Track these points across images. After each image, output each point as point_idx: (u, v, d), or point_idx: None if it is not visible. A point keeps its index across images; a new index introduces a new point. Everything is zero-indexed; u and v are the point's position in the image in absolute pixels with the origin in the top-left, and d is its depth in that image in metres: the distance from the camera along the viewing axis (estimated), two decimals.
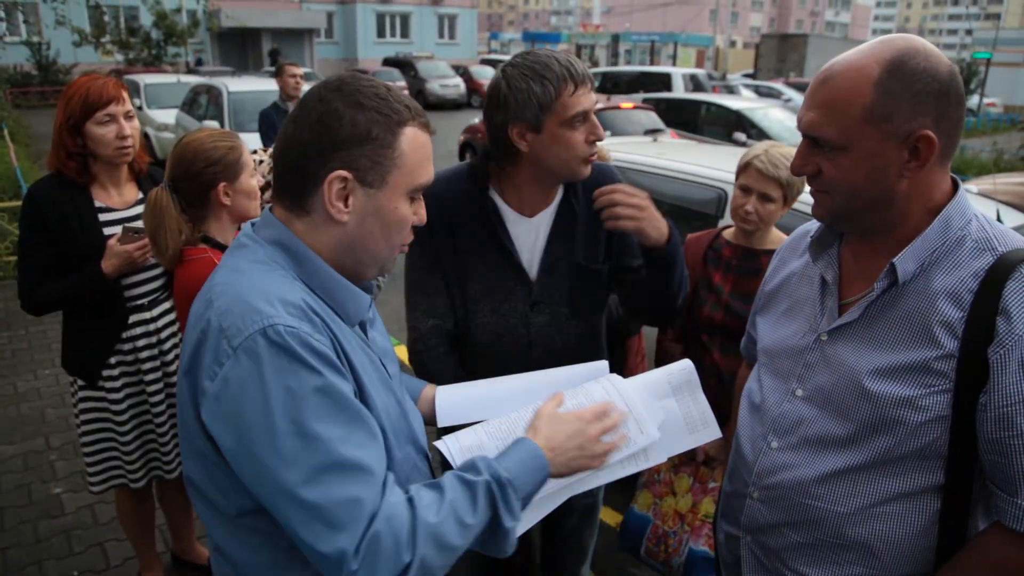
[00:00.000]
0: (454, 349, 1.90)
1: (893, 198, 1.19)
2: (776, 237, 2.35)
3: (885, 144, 1.15)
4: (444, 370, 1.85)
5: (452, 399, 1.53)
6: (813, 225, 1.43)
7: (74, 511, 3.31)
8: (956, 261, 1.19)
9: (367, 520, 1.01)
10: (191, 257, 2.03)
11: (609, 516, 3.28)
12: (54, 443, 3.87)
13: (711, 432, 1.47)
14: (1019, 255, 1.15)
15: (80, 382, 2.46)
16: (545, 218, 1.82)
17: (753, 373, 1.53)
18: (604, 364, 1.56)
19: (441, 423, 1.50)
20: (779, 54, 30.68)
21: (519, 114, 1.64)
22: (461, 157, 12.27)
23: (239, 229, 2.19)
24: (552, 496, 1.35)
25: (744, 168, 2.30)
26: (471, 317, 1.86)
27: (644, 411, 1.40)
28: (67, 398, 4.33)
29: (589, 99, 1.66)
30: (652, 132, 8.60)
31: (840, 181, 1.20)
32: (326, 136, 1.09)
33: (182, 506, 2.88)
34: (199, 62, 22.78)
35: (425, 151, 1.17)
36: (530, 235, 1.82)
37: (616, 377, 1.47)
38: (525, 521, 1.35)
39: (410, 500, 1.08)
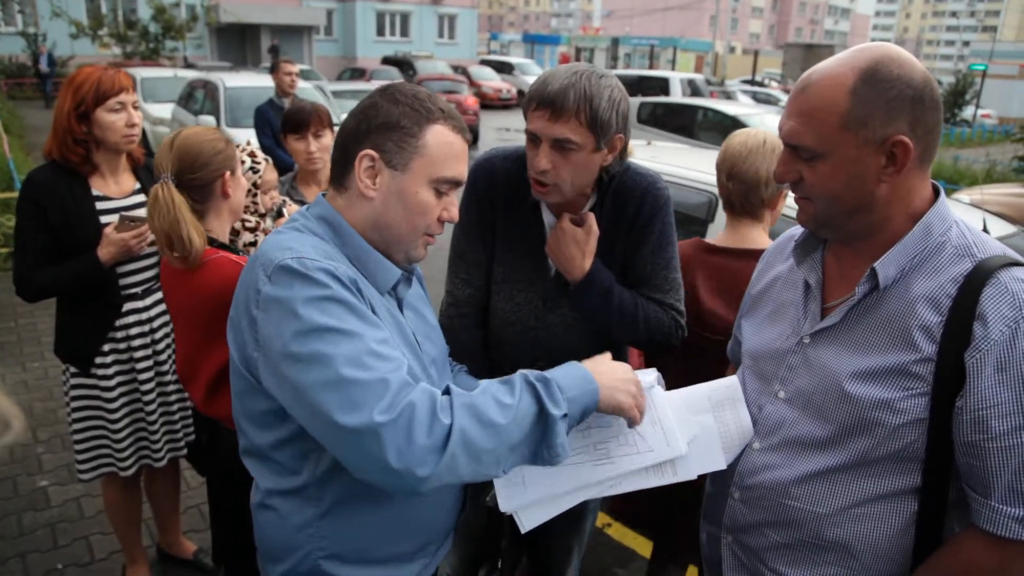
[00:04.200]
0: (483, 323, 1.94)
1: (873, 204, 1.22)
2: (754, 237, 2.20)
3: (862, 150, 1.18)
4: (470, 340, 1.91)
5: None
6: (799, 230, 1.45)
7: (60, 504, 3.30)
8: (936, 266, 1.21)
9: (393, 393, 1.10)
10: (205, 259, 1.96)
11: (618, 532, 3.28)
12: (41, 436, 3.85)
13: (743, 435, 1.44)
14: (997, 261, 1.18)
15: (72, 370, 2.47)
16: None
17: (737, 375, 1.54)
18: (652, 373, 1.52)
19: None
20: (804, 63, 31.21)
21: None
22: None
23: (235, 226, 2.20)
24: (571, 495, 1.40)
25: None
26: (490, 298, 1.90)
27: (675, 424, 1.42)
28: (55, 391, 4.32)
29: (543, 125, 1.62)
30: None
31: (820, 188, 1.23)
32: (363, 123, 1.30)
33: (169, 498, 2.89)
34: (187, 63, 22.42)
35: (452, 149, 1.31)
36: None
37: (657, 389, 1.48)
38: (537, 516, 1.42)
39: (447, 389, 1.20)
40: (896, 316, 1.22)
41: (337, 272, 1.20)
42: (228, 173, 2.06)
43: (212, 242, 2.03)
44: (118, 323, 2.44)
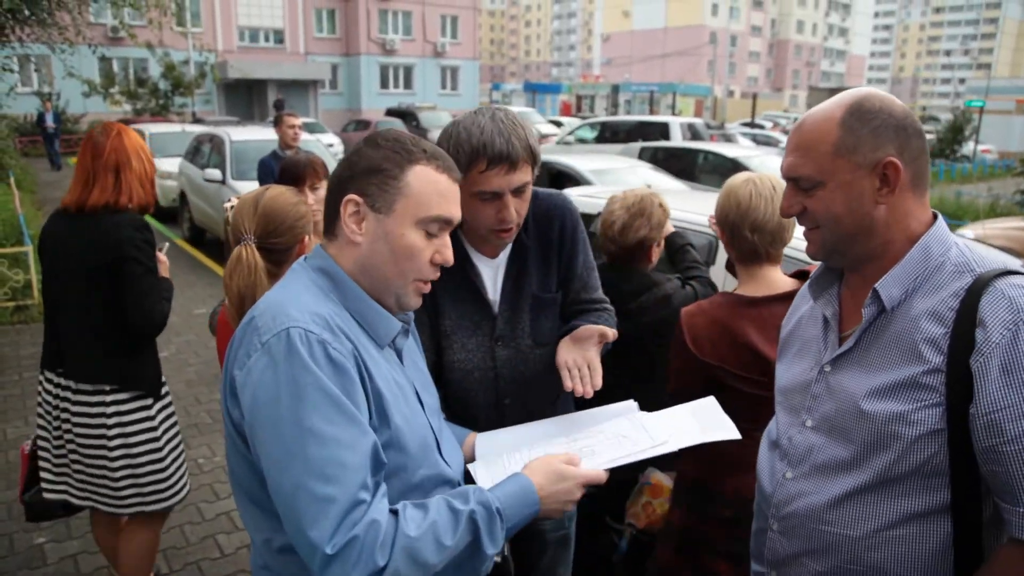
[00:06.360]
0: (437, 381, 1.92)
1: (873, 226, 1.30)
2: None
3: (856, 174, 1.28)
4: None
5: (489, 444, 1.64)
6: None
7: (56, 562, 3.25)
8: (937, 284, 1.27)
9: (339, 518, 1.12)
10: None
11: None
12: None
13: (727, 432, 1.54)
14: (994, 272, 1.22)
15: (146, 402, 2.64)
16: (503, 257, 1.94)
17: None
18: (632, 403, 1.68)
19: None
20: None
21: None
22: None
23: None
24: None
25: None
26: (443, 354, 1.94)
27: (657, 424, 1.56)
28: None
29: (503, 180, 1.71)
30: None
31: (823, 214, 1.32)
32: (348, 170, 1.32)
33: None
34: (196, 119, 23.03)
35: (437, 188, 1.31)
36: (492, 273, 1.95)
37: (642, 413, 1.62)
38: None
39: (395, 512, 1.19)
40: (904, 333, 1.27)
41: (330, 350, 1.18)
42: (306, 237, 2.07)
43: None
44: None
